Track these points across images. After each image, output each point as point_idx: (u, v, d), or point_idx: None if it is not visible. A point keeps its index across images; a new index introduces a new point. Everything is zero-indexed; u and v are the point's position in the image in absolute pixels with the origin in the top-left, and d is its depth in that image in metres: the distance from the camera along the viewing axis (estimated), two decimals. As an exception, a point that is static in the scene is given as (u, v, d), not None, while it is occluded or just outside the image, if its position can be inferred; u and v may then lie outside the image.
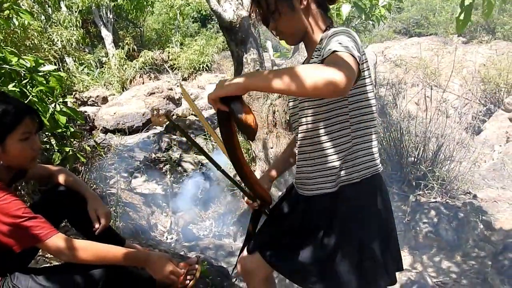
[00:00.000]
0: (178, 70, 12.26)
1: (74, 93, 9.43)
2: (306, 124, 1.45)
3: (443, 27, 12.88)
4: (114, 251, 1.62)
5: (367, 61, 1.38)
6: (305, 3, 1.42)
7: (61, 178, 1.94)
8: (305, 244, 1.49)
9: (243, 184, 1.58)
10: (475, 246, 3.23)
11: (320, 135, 1.42)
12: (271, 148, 3.74)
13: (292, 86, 1.08)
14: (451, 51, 7.58)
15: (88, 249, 1.56)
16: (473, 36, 11.87)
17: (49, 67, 2.93)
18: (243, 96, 1.20)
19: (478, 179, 4.40)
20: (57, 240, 1.50)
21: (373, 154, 1.45)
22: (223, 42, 12.43)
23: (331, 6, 1.56)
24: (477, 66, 7.14)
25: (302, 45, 1.59)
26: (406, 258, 3.21)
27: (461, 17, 1.89)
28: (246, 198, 1.67)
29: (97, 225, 1.85)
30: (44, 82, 2.88)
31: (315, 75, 1.06)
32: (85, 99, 9.27)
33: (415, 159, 3.89)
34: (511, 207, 3.66)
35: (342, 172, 1.42)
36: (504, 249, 2.91)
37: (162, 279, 1.67)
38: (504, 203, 3.76)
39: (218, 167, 1.53)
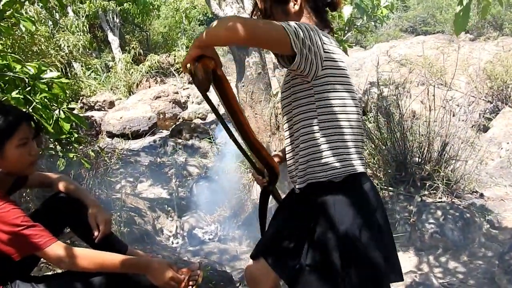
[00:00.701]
0: (184, 73, 12.30)
1: (81, 98, 9.52)
2: (284, 119, 1.53)
3: (450, 25, 12.78)
4: (114, 259, 1.63)
5: (333, 60, 1.40)
6: (297, 8, 1.47)
7: (61, 186, 1.96)
8: (297, 247, 1.48)
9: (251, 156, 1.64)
10: (482, 246, 3.20)
11: (292, 130, 1.48)
12: (275, 151, 3.74)
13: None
14: (457, 48, 7.52)
15: (87, 257, 1.57)
16: (480, 33, 11.77)
17: (52, 74, 2.96)
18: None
19: (485, 177, 4.36)
20: (56, 248, 1.51)
21: (347, 155, 1.42)
22: (228, 44, 12.43)
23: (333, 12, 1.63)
24: (484, 63, 7.07)
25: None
26: (412, 259, 3.19)
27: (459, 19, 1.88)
28: (255, 174, 1.71)
29: (96, 233, 1.85)
30: (47, 89, 2.91)
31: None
32: (92, 104, 9.35)
33: (420, 159, 3.86)
34: (518, 206, 3.62)
35: (309, 170, 1.44)
36: (510, 248, 2.87)
37: (162, 285, 1.67)
38: (511, 201, 3.72)
39: (230, 134, 1.54)
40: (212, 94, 1.45)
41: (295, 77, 1.45)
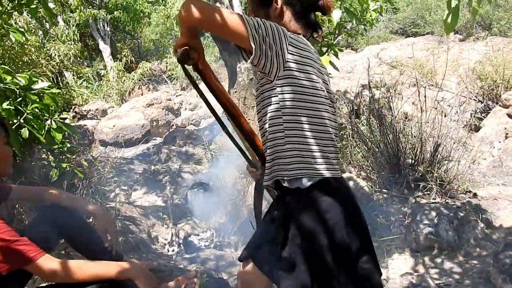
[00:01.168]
0: (176, 80, 12.30)
1: (73, 107, 9.48)
2: (257, 119, 1.57)
3: (439, 26, 12.89)
4: (104, 267, 1.63)
5: (298, 62, 1.43)
6: (277, 12, 1.53)
7: (54, 198, 1.95)
8: (276, 247, 1.52)
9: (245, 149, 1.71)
10: (477, 246, 3.22)
11: (263, 129, 1.52)
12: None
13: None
14: (447, 49, 7.58)
15: (77, 267, 1.57)
16: (469, 33, 11.86)
17: (42, 84, 2.95)
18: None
19: (478, 177, 4.39)
20: (45, 261, 1.51)
21: (311, 158, 1.44)
22: (220, 50, 12.47)
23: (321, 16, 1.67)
24: (473, 63, 7.13)
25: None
26: (408, 260, 3.19)
27: (449, 19, 1.90)
28: (248, 167, 1.76)
29: (107, 244, 1.89)
30: (38, 99, 2.90)
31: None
32: (85, 113, 9.31)
33: (413, 161, 3.88)
34: (512, 205, 3.65)
35: (275, 167, 1.48)
36: (505, 247, 2.88)
37: None
38: (504, 200, 3.75)
39: (222, 125, 1.63)
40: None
41: (262, 77, 1.48)
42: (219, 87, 1.60)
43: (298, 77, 1.43)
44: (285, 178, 1.46)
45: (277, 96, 1.44)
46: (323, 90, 1.51)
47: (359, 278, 1.44)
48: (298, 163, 1.44)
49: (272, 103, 1.46)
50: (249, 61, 1.40)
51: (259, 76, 1.52)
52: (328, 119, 1.50)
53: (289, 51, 1.39)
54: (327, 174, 1.45)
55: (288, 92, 1.43)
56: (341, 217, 1.44)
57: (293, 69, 1.41)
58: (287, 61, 1.40)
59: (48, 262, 1.51)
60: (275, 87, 1.43)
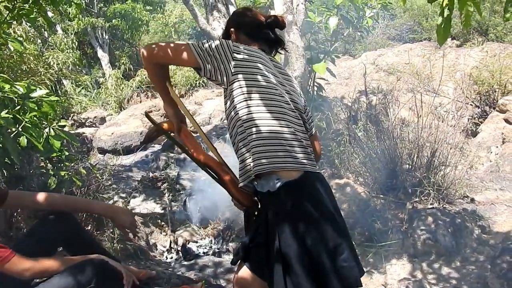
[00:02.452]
0: (175, 87, 12.31)
1: (72, 114, 9.49)
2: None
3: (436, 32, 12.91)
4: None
5: (245, 66, 1.60)
6: (234, 40, 1.81)
7: (60, 203, 1.97)
8: (263, 250, 1.59)
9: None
10: (474, 251, 3.23)
11: (231, 134, 1.68)
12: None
13: None
14: (443, 55, 7.63)
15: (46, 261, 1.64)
16: (466, 39, 11.92)
17: (41, 92, 2.96)
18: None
19: (476, 182, 4.40)
20: (17, 261, 1.53)
21: (273, 153, 1.53)
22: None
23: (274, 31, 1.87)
24: (470, 69, 7.16)
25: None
26: (406, 266, 3.20)
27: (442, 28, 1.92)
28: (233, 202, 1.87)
29: (130, 235, 1.98)
30: (36, 107, 2.91)
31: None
32: (83, 121, 9.32)
33: (410, 166, 3.89)
34: (509, 209, 3.66)
35: (247, 168, 1.59)
36: (502, 252, 2.90)
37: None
38: (502, 205, 3.76)
39: (202, 166, 1.81)
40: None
41: (223, 89, 1.67)
42: (199, 153, 1.78)
43: (248, 78, 1.58)
44: (252, 176, 1.56)
45: (233, 100, 1.59)
46: (277, 89, 1.63)
47: (339, 275, 1.46)
48: (262, 159, 1.53)
49: (231, 108, 1.62)
50: (202, 75, 1.62)
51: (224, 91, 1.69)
52: (286, 114, 1.61)
53: (234, 58, 1.58)
54: (291, 168, 1.53)
55: (241, 93, 1.57)
56: (313, 216, 1.49)
57: (242, 71, 1.58)
58: (234, 66, 1.57)
59: (21, 261, 1.54)
60: (230, 93, 1.60)
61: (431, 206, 3.59)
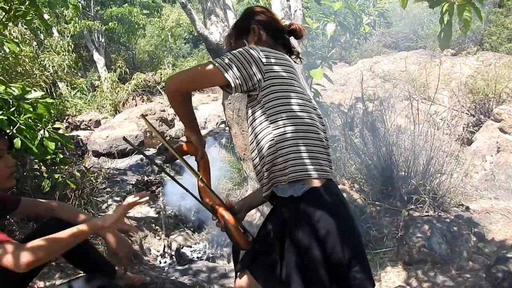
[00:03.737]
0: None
1: (67, 117, 9.44)
2: (251, 136, 1.64)
3: (431, 40, 13.05)
4: (67, 234, 1.60)
5: (275, 71, 1.54)
6: (255, 37, 1.72)
7: (61, 214, 1.92)
8: (275, 260, 1.54)
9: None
10: (469, 259, 3.22)
11: (253, 143, 1.61)
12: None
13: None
14: (439, 63, 7.67)
15: (44, 243, 1.53)
16: (461, 48, 12.02)
17: (36, 94, 2.94)
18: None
19: (471, 190, 4.40)
20: (8, 247, 1.47)
21: (302, 161, 1.49)
22: (214, 62, 12.51)
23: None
24: (465, 78, 7.21)
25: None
26: (401, 274, 3.19)
27: (442, 35, 1.93)
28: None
29: (117, 267, 1.86)
30: (31, 109, 2.89)
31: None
32: (78, 123, 9.27)
33: (406, 173, 3.89)
34: (504, 218, 3.66)
35: (272, 175, 1.54)
36: (497, 261, 2.90)
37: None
38: (497, 213, 3.76)
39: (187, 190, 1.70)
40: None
41: (248, 96, 1.61)
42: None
43: (281, 83, 1.53)
44: (282, 183, 1.50)
45: (263, 107, 1.53)
46: (306, 94, 1.61)
47: (352, 287, 1.44)
48: (292, 166, 1.48)
49: (259, 115, 1.55)
50: (233, 93, 1.56)
51: (247, 98, 1.63)
52: (314, 120, 1.58)
53: (264, 63, 1.51)
54: (317, 176, 1.49)
55: (273, 99, 1.52)
56: (334, 225, 1.45)
57: (273, 75, 1.53)
58: (266, 72, 1.51)
59: (10, 247, 1.47)
60: (260, 101, 1.54)
61: (426, 214, 3.58)
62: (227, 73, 1.48)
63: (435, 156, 3.87)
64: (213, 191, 1.72)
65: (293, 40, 1.83)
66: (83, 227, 1.61)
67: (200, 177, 1.66)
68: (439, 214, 3.62)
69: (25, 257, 1.43)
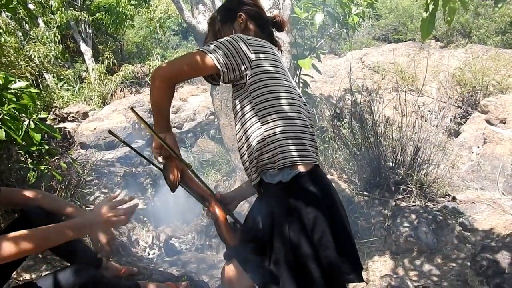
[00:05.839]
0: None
1: (53, 109, 9.31)
2: (237, 126, 1.64)
3: (420, 33, 13.07)
4: (56, 230, 1.54)
5: (262, 59, 1.54)
6: (242, 25, 1.71)
7: (45, 203, 1.89)
8: (263, 250, 1.54)
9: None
10: (455, 248, 3.26)
11: (240, 132, 1.61)
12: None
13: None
14: (427, 55, 7.70)
15: (31, 236, 1.46)
16: (450, 41, 12.09)
17: (20, 84, 2.89)
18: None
19: (457, 181, 4.45)
20: None
21: (291, 147, 1.50)
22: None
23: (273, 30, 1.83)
24: (453, 70, 7.25)
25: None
26: (388, 262, 3.22)
27: (426, 23, 1.93)
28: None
29: (98, 255, 1.82)
30: (15, 99, 2.84)
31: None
32: (65, 115, 9.15)
33: (394, 164, 3.92)
34: (489, 208, 3.70)
35: (259, 164, 1.55)
36: (482, 249, 2.93)
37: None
38: (482, 204, 3.80)
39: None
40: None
41: (235, 85, 1.60)
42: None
43: (267, 71, 1.53)
44: (270, 170, 1.51)
45: (252, 101, 1.53)
46: (291, 82, 1.62)
47: (338, 276, 1.44)
48: (280, 154, 1.49)
49: (247, 104, 1.55)
50: (221, 82, 1.57)
51: (233, 88, 1.63)
52: (300, 107, 1.59)
53: (251, 51, 1.51)
54: (305, 162, 1.51)
55: (261, 87, 1.52)
56: (322, 209, 1.46)
57: (261, 64, 1.53)
58: (253, 60, 1.51)
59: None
60: (247, 89, 1.53)
61: (413, 204, 3.62)
62: (216, 60, 1.47)
63: (422, 147, 3.90)
64: (203, 181, 1.72)
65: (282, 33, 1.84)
66: (69, 231, 1.53)
67: (191, 168, 1.64)
68: (426, 204, 3.66)
69: (7, 248, 1.38)
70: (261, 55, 1.53)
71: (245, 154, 1.61)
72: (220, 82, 1.58)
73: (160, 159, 1.56)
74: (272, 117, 1.50)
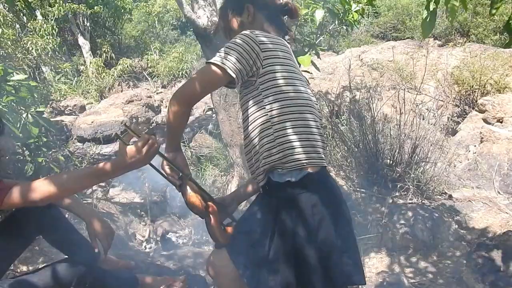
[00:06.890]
0: (157, 77, 12.18)
1: (51, 102, 9.28)
2: (244, 124, 1.62)
3: (419, 31, 13.09)
4: (84, 172, 1.63)
5: (273, 57, 1.52)
6: (251, 19, 1.67)
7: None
8: (257, 245, 1.53)
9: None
10: (451, 246, 3.28)
11: (247, 129, 1.58)
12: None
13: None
14: (426, 54, 7.71)
15: (49, 183, 1.48)
16: (448, 39, 12.10)
17: (19, 77, 2.89)
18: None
19: (454, 179, 4.47)
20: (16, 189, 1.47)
21: (300, 149, 1.49)
22: (202, 48, 12.41)
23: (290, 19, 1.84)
24: (451, 68, 7.27)
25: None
26: (384, 259, 3.24)
27: (427, 21, 1.93)
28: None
29: (96, 250, 1.83)
30: (14, 91, 2.84)
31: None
32: (62, 108, 9.13)
33: (391, 161, 3.93)
34: (485, 206, 3.72)
35: (267, 166, 1.52)
36: (478, 247, 2.95)
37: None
38: (478, 202, 3.82)
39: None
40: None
41: (244, 82, 1.56)
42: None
43: (278, 70, 1.51)
44: (279, 170, 1.50)
45: (261, 94, 1.50)
46: (303, 81, 1.60)
47: (340, 277, 1.45)
48: (291, 155, 1.48)
49: (256, 102, 1.52)
50: (237, 88, 1.58)
51: (242, 84, 1.59)
52: (312, 107, 1.57)
53: (262, 49, 1.48)
54: (314, 163, 1.50)
55: (271, 87, 1.49)
56: (329, 211, 1.46)
57: (272, 62, 1.50)
58: (264, 58, 1.49)
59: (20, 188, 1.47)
60: (257, 87, 1.51)
61: (410, 201, 3.64)
62: (229, 69, 1.44)
63: (420, 145, 3.91)
64: (202, 187, 1.71)
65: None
66: (105, 165, 1.51)
67: (190, 176, 1.64)
68: (423, 201, 3.68)
69: (40, 189, 1.44)
70: (272, 53, 1.51)
71: (252, 158, 1.59)
72: (235, 85, 1.57)
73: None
74: (282, 117, 1.48)
